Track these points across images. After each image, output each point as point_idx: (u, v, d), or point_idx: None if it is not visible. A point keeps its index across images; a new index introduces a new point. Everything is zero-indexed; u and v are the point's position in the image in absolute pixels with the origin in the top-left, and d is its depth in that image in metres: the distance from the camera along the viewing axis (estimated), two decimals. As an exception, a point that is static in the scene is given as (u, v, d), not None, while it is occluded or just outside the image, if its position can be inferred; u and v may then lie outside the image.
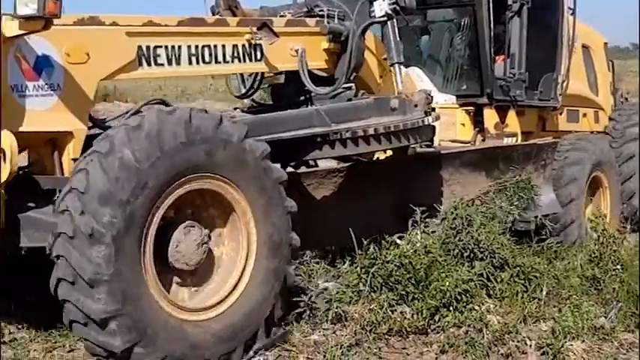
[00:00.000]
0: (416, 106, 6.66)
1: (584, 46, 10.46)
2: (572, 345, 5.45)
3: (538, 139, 8.73)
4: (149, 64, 5.48)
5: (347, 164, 7.30)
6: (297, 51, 6.40)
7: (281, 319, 5.52)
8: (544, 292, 6.14)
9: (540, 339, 5.54)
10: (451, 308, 5.75)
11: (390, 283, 5.80)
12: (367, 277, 5.84)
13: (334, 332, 5.59)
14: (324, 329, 5.64)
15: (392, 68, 6.93)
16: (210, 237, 5.16)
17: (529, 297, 6.11)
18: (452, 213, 6.62)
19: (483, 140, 8.74)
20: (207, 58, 5.85)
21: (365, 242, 6.10)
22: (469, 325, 5.63)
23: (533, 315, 5.90)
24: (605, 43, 11.34)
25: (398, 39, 6.84)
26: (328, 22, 6.63)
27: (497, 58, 8.77)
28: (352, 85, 6.76)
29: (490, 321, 5.67)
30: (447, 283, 5.83)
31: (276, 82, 7.25)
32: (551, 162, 8.25)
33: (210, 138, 4.93)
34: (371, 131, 6.28)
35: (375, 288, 5.82)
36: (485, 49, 8.55)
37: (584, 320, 5.72)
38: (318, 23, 6.63)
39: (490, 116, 8.82)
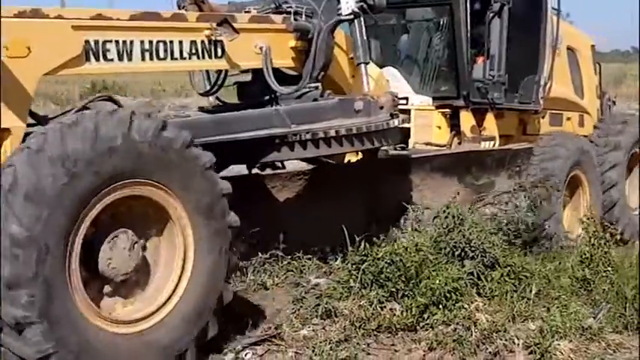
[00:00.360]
0: (382, 108, 6.49)
1: (570, 49, 10.28)
2: (559, 344, 5.45)
3: (513, 145, 8.65)
4: (97, 60, 5.18)
5: (313, 166, 7.14)
6: (261, 48, 6.16)
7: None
8: (533, 292, 6.14)
9: (528, 338, 5.53)
10: (440, 306, 5.74)
11: (381, 280, 5.80)
12: (358, 273, 5.87)
13: (324, 328, 5.58)
14: (313, 324, 5.63)
15: (358, 68, 6.72)
16: (145, 245, 4.85)
17: (518, 296, 6.07)
18: (444, 211, 6.65)
19: (460, 143, 8.51)
20: (162, 54, 5.56)
21: (328, 248, 6.28)
22: (458, 323, 5.61)
23: (521, 314, 5.88)
24: (592, 46, 11.16)
25: (365, 38, 6.64)
26: (295, 20, 6.43)
27: (477, 59, 8.63)
28: (319, 84, 6.50)
29: (479, 319, 5.66)
30: (437, 281, 5.83)
31: (243, 80, 6.99)
32: (526, 168, 8.19)
33: (150, 143, 4.61)
34: (332, 133, 6.10)
35: (366, 284, 5.83)
36: (462, 49, 8.34)
37: (572, 320, 5.74)
38: (284, 20, 6.40)
39: (467, 119, 8.61)
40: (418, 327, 5.67)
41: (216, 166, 4.99)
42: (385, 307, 5.72)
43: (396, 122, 6.57)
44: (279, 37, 6.39)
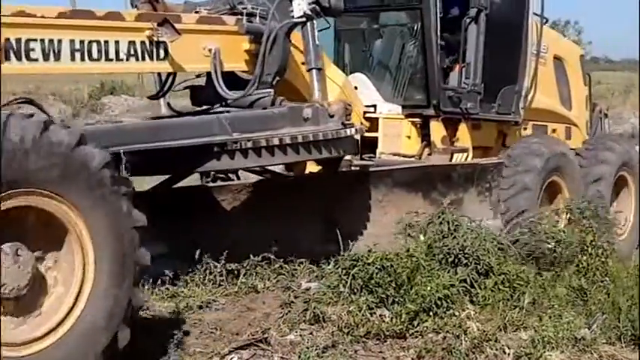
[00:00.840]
0: (332, 116, 6.20)
1: (557, 58, 9.95)
2: (550, 355, 5.40)
3: (481, 159, 8.15)
4: (19, 59, 4.88)
5: (264, 178, 6.96)
6: (210, 50, 5.92)
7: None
8: (527, 301, 6.06)
9: (519, 348, 5.45)
10: (431, 313, 5.69)
11: (371, 286, 5.75)
12: (348, 278, 5.81)
13: (311, 333, 5.50)
14: (301, 329, 5.55)
15: (310, 74, 6.42)
16: (40, 259, 4.42)
17: (511, 305, 6.02)
18: (439, 217, 6.58)
19: (430, 155, 8.08)
20: (95, 55, 5.25)
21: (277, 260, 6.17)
22: (448, 331, 5.53)
23: (514, 323, 5.79)
24: (582, 56, 10.85)
25: (317, 42, 6.38)
26: (250, 21, 6.20)
27: (455, 67, 8.32)
28: (271, 90, 6.20)
29: (469, 328, 5.59)
30: (429, 288, 5.77)
31: (196, 85, 6.65)
32: (497, 185, 7.70)
33: (31, 146, 4.11)
34: (275, 142, 5.82)
35: (355, 290, 5.79)
36: (432, 56, 7.95)
37: (565, 330, 5.66)
38: (237, 22, 6.17)
39: (437, 129, 8.15)
40: (407, 334, 5.59)
41: (149, 173, 4.80)
42: (375, 313, 5.66)
43: (348, 131, 6.25)
44: (231, 40, 6.17)
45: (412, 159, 7.99)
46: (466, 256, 6.24)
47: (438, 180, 7.21)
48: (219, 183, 6.98)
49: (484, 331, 5.57)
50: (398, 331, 5.56)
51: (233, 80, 6.28)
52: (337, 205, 6.75)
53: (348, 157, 6.95)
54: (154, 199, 6.10)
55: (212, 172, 7.24)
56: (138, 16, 5.69)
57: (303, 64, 6.62)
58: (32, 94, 19.69)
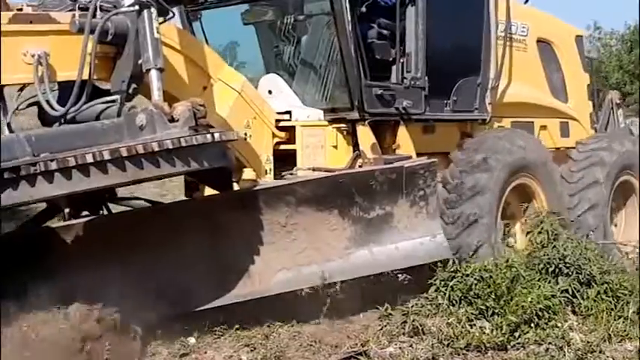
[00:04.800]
0: (175, 120, 4.98)
1: (543, 41, 8.53)
2: (657, 366, 5.28)
3: (407, 161, 6.38)
4: None
5: (131, 209, 6.05)
6: (33, 56, 4.97)
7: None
8: (631, 310, 5.94)
9: (625, 359, 5.36)
10: (532, 325, 5.62)
11: (470, 297, 5.71)
12: (446, 290, 5.77)
13: (411, 345, 5.46)
14: (400, 342, 5.53)
15: (147, 75, 5.24)
16: None
17: (615, 315, 5.92)
18: (537, 226, 6.48)
19: (361, 167, 6.65)
20: None
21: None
22: (550, 343, 5.48)
23: (618, 334, 5.72)
24: (579, 37, 9.22)
25: (156, 37, 5.21)
26: (94, 17, 5.15)
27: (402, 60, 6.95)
28: (116, 98, 5.25)
29: (573, 339, 5.54)
30: (529, 299, 5.69)
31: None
32: (434, 190, 6.06)
33: None
34: (88, 159, 4.51)
35: (454, 301, 5.74)
36: (347, 48, 6.53)
37: (673, 341, 5.54)
38: (72, 19, 5.14)
39: (365, 136, 6.71)
40: (509, 346, 5.53)
41: None
42: (474, 325, 5.61)
43: (201, 138, 4.91)
44: (66, 42, 5.16)
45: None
46: (567, 265, 6.16)
47: (356, 192, 5.76)
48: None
49: (588, 343, 5.51)
50: (499, 343, 5.50)
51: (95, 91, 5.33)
52: (224, 237, 5.50)
53: (251, 176, 6.04)
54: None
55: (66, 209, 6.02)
56: None
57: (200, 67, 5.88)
58: None
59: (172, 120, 4.96)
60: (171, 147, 4.76)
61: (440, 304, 5.75)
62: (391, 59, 6.95)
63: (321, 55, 6.91)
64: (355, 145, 6.73)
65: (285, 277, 5.59)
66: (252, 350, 5.29)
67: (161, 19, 5.42)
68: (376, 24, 6.98)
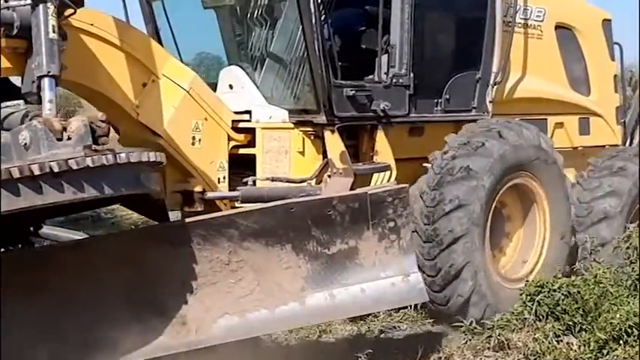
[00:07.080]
0: (67, 139, 4.18)
1: (563, 27, 7.74)
2: None
3: (371, 187, 5.58)
4: None
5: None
6: None
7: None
8: None
9: None
10: (621, 342, 5.50)
11: (557, 313, 5.70)
12: (532, 304, 5.71)
13: (496, 360, 5.49)
14: (485, 356, 5.59)
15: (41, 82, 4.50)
16: None
17: None
18: (625, 241, 6.35)
19: (330, 177, 5.88)
20: None
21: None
22: (640, 361, 5.38)
23: None
24: (606, 20, 8.25)
25: (52, 37, 4.48)
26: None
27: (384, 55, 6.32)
28: (20, 102, 4.62)
29: (663, 357, 5.40)
30: (618, 315, 5.58)
31: None
32: (407, 221, 5.14)
33: None
34: None
35: (541, 317, 5.72)
36: (312, 41, 5.80)
37: None
38: None
39: (333, 142, 5.95)
40: (596, 363, 5.44)
41: None
42: (561, 340, 5.60)
43: (96, 160, 4.05)
44: None
45: (304, 184, 5.87)
46: (656, 282, 6.01)
47: (311, 223, 4.94)
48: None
49: (679, 362, 5.34)
50: (586, 360, 5.42)
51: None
52: (153, 277, 4.75)
53: (199, 189, 5.58)
54: None
55: None
56: None
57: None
58: None
59: (63, 138, 4.18)
60: (57, 170, 3.95)
61: (526, 318, 5.74)
62: (376, 50, 6.29)
63: (288, 46, 6.18)
64: (325, 152, 6.05)
65: (228, 324, 4.82)
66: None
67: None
68: (358, 11, 6.47)
